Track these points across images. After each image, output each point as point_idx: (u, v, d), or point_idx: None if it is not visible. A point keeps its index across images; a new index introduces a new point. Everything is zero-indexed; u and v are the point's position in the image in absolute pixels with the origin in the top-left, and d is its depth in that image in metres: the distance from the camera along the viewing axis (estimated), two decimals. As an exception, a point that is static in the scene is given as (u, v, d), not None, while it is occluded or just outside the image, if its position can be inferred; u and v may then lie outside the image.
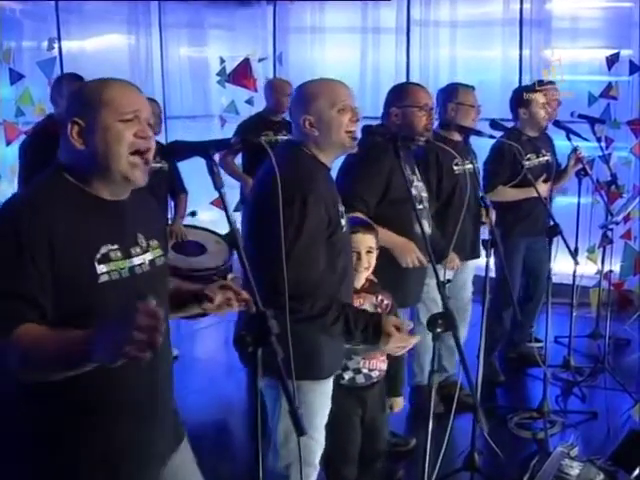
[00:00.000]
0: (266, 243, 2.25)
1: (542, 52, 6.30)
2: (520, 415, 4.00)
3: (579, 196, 4.52)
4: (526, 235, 4.45)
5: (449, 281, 2.53)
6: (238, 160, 5.46)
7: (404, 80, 6.56)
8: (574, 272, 4.16)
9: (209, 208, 6.29)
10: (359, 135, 2.58)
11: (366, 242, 2.80)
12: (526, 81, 6.20)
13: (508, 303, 4.46)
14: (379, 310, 2.88)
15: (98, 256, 1.71)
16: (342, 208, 2.55)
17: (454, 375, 4.24)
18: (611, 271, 4.99)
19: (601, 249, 4.83)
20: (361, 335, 2.43)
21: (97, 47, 6.34)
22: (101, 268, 1.71)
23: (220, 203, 5.54)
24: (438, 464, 2.99)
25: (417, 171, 3.43)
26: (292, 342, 2.37)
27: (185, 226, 4.89)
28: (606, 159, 4.96)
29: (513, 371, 4.71)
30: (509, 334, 4.71)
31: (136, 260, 1.80)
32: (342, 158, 2.91)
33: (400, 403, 3.10)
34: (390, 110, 3.28)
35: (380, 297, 2.89)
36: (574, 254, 3.86)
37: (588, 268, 5.65)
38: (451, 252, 3.49)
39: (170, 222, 4.86)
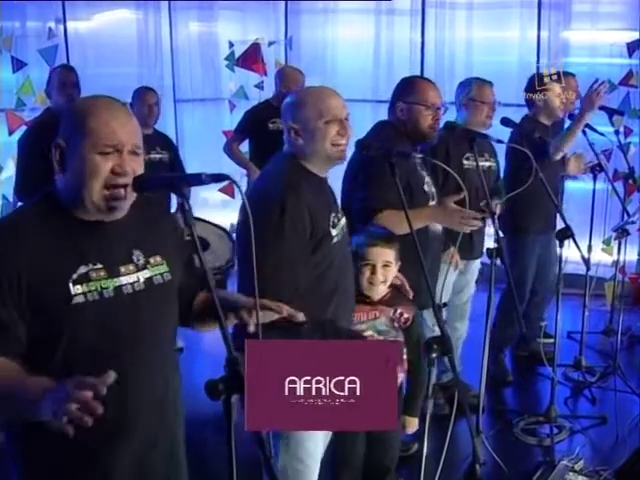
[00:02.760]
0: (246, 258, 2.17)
1: (561, 34, 6.12)
2: (527, 420, 3.91)
3: (594, 195, 4.38)
4: (541, 233, 4.35)
5: (445, 304, 2.44)
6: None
7: (419, 62, 6.44)
8: (587, 272, 4.04)
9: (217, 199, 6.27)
10: (350, 149, 2.47)
11: (384, 256, 2.73)
12: (544, 63, 6.04)
13: (519, 299, 4.38)
14: (396, 324, 2.80)
15: (74, 276, 1.67)
16: (337, 219, 2.46)
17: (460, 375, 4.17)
18: (624, 271, 4.84)
19: (617, 241, 4.71)
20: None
21: (104, 27, 6.24)
22: (76, 289, 1.67)
23: (231, 190, 5.52)
24: (438, 473, 2.92)
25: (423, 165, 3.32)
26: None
27: (189, 218, 4.80)
28: (624, 150, 4.80)
29: (523, 370, 4.64)
30: (520, 332, 4.62)
31: (125, 279, 1.75)
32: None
33: (414, 424, 2.92)
34: (396, 104, 3.17)
35: (399, 310, 2.80)
36: (587, 260, 3.74)
37: (605, 257, 5.53)
38: (452, 247, 3.40)
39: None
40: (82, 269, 1.68)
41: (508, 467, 3.34)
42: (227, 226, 5.79)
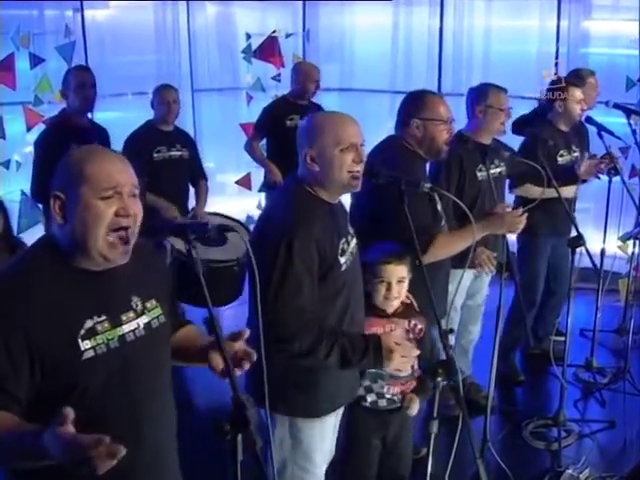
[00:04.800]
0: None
1: (581, 24, 6.05)
2: (536, 422, 3.95)
3: (608, 195, 4.36)
4: (553, 235, 4.34)
5: (452, 330, 2.47)
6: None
7: (437, 51, 6.40)
8: (599, 277, 4.05)
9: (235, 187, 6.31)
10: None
11: (398, 272, 2.76)
12: (563, 53, 5.99)
13: (531, 305, 4.41)
14: (411, 335, 2.82)
15: (82, 332, 1.70)
16: (346, 244, 2.48)
17: (470, 377, 4.21)
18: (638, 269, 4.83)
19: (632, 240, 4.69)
20: (360, 361, 2.42)
21: (121, 15, 6.23)
22: (85, 344, 1.70)
23: (248, 182, 5.57)
24: (447, 475, 2.97)
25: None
26: (289, 378, 2.42)
27: (207, 213, 4.84)
28: (641, 149, 4.75)
29: (535, 369, 4.64)
30: (532, 330, 4.63)
31: (127, 327, 1.79)
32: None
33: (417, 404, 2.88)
34: (410, 121, 3.15)
35: (413, 322, 2.84)
36: (598, 268, 3.74)
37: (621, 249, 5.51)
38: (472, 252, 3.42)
39: (192, 209, 4.83)
40: (88, 323, 1.71)
41: (514, 473, 3.39)
42: (244, 215, 5.89)
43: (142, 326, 1.82)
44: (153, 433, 1.86)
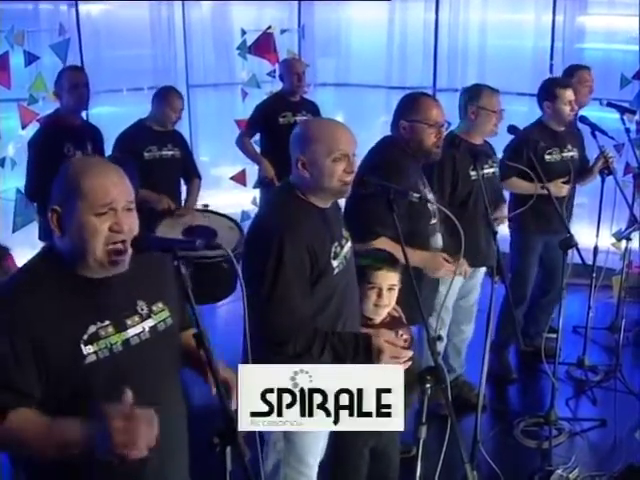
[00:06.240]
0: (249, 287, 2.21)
1: (577, 18, 6.04)
2: (527, 421, 3.98)
3: (601, 195, 4.37)
4: (543, 233, 4.35)
5: (440, 337, 2.49)
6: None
7: (432, 45, 6.39)
8: (592, 277, 4.07)
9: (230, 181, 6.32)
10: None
11: (389, 279, 2.75)
12: (558, 48, 5.99)
13: (520, 300, 4.43)
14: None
15: (85, 337, 1.75)
16: (339, 247, 2.50)
17: (462, 375, 4.24)
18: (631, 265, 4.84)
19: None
20: (352, 358, 2.44)
21: (116, 9, 6.20)
22: (88, 349, 1.75)
23: (241, 179, 5.56)
24: (437, 475, 2.99)
25: (426, 182, 3.35)
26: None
27: (199, 211, 4.83)
28: (634, 148, 4.75)
29: (527, 366, 4.66)
30: (525, 328, 4.66)
31: (132, 331, 1.83)
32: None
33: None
34: (399, 122, 3.18)
35: (400, 333, 2.80)
36: (590, 266, 3.75)
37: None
38: (461, 258, 3.44)
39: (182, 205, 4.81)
40: (92, 329, 1.76)
41: (504, 472, 3.40)
42: (239, 209, 5.90)
43: (147, 329, 1.86)
44: (163, 430, 1.84)
